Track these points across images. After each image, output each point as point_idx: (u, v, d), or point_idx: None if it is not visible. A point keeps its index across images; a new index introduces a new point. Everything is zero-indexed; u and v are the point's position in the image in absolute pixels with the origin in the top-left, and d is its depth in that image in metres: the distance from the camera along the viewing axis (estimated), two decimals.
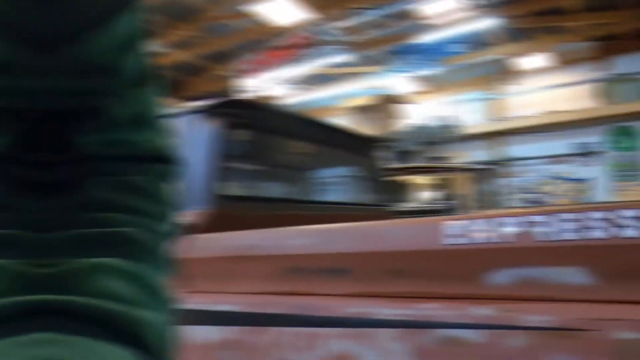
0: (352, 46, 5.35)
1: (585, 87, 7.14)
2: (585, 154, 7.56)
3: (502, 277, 0.91)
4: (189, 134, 1.67)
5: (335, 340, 1.06)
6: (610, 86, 7.04)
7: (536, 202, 7.00)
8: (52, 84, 0.28)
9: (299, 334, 1.12)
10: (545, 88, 6.99)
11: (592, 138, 7.44)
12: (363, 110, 5.90)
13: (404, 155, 6.67)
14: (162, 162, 0.34)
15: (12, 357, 0.21)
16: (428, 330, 0.95)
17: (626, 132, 7.23)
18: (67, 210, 0.29)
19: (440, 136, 5.82)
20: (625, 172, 7.15)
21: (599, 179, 7.33)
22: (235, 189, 1.90)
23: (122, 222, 0.29)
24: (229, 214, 1.61)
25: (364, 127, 5.65)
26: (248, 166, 1.96)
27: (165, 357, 0.27)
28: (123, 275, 0.27)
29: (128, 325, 0.25)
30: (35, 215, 0.28)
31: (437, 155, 6.83)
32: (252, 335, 1.22)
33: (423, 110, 8.09)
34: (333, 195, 2.62)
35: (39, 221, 0.28)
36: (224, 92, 8.49)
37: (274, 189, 2.18)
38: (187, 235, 1.49)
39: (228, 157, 1.75)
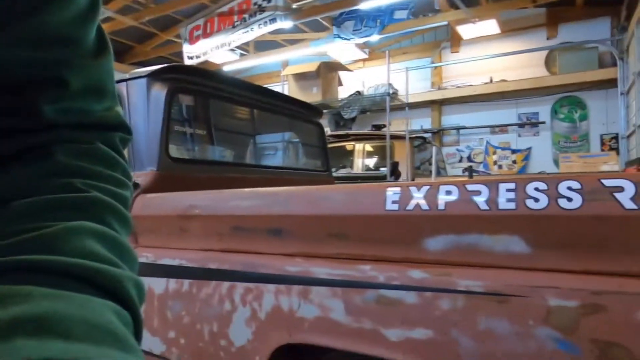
0: (294, 12, 5.30)
1: (531, 56, 7.03)
2: (529, 124, 7.52)
3: (440, 243, 0.94)
4: (136, 98, 1.69)
5: (274, 295, 1.14)
6: (556, 55, 6.94)
7: (477, 172, 7.05)
8: (12, 55, 0.28)
9: (239, 289, 1.21)
10: (490, 56, 6.85)
11: (537, 108, 7.45)
12: (304, 76, 5.90)
13: (345, 122, 6.81)
14: (119, 129, 0.36)
15: (6, 311, 0.20)
16: (365, 290, 1.00)
17: (571, 103, 7.16)
18: (36, 177, 0.29)
19: (382, 103, 5.94)
20: (568, 144, 7.20)
21: (541, 149, 7.39)
22: (180, 152, 1.96)
23: (87, 187, 0.30)
24: (174, 176, 1.68)
25: (305, 94, 5.70)
26: (193, 130, 2.01)
27: (139, 310, 0.28)
28: (97, 236, 0.28)
29: (107, 281, 0.25)
30: (5, 182, 0.29)
31: (378, 122, 7.01)
32: (195, 288, 1.31)
33: (365, 77, 8.18)
34: (275, 160, 2.72)
35: (9, 187, 0.29)
36: (168, 58, 8.17)
37: (218, 153, 2.24)
38: (135, 194, 1.55)
39: (173, 121, 1.80)
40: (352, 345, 1.02)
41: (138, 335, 0.27)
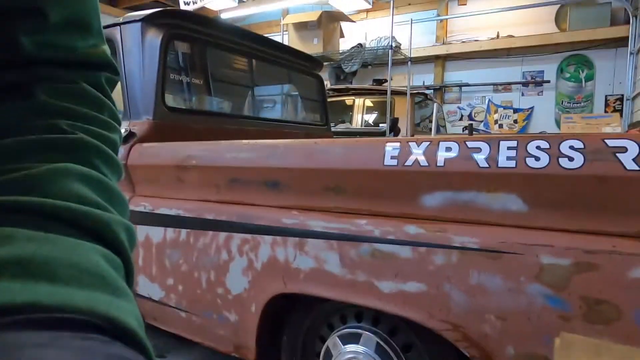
0: None
1: (541, 11, 6.76)
2: (533, 82, 7.34)
3: (437, 200, 0.94)
4: (130, 44, 1.63)
5: (270, 247, 1.15)
6: (567, 10, 6.65)
7: (477, 130, 6.98)
8: None
9: (236, 239, 1.22)
10: (499, 10, 6.60)
11: (543, 66, 7.21)
12: (305, 26, 5.71)
13: (345, 75, 6.66)
14: (105, 69, 0.34)
15: None
16: (360, 244, 1.01)
17: (579, 62, 6.92)
18: (20, 116, 0.28)
19: (384, 57, 5.80)
20: (571, 104, 7.00)
21: (544, 109, 7.23)
22: (177, 101, 1.92)
23: (73, 129, 0.29)
24: (170, 125, 1.66)
25: (306, 45, 5.53)
26: (189, 79, 1.96)
27: (129, 254, 0.27)
28: (84, 179, 0.27)
29: (96, 224, 0.25)
30: None
31: (379, 77, 6.86)
32: (193, 237, 1.32)
33: (367, 29, 7.93)
34: (273, 113, 2.68)
35: None
36: (164, 3, 7.82)
37: (215, 104, 2.20)
38: (131, 143, 1.54)
39: (169, 69, 1.75)
40: (346, 295, 1.04)
41: (129, 280, 0.26)
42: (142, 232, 1.45)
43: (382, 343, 1.08)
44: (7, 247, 0.20)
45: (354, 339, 1.12)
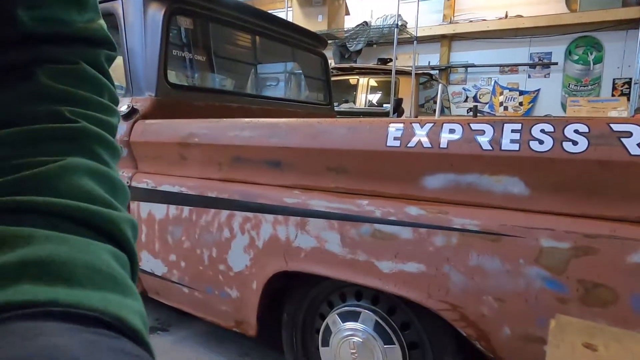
0: None
1: None
2: (540, 64, 7.23)
3: (439, 182, 0.94)
4: (132, 19, 1.61)
5: (272, 225, 1.16)
6: None
7: (481, 112, 6.90)
8: None
9: (238, 217, 1.23)
10: None
11: (551, 48, 7.09)
12: (310, 2, 5.61)
13: (350, 54, 6.58)
14: (104, 45, 0.33)
15: (14, 253, 0.20)
16: (361, 224, 1.01)
17: (588, 44, 6.76)
18: (22, 100, 0.28)
19: (390, 36, 5.72)
20: (578, 87, 6.87)
21: (550, 92, 7.12)
22: (179, 78, 1.90)
23: (76, 116, 0.29)
24: (173, 102, 1.65)
25: (310, 22, 5.45)
26: (192, 56, 1.94)
27: (135, 251, 0.27)
28: (92, 174, 0.27)
29: (105, 224, 0.25)
30: None
31: (384, 56, 6.77)
32: (195, 215, 1.33)
33: (373, 6, 7.78)
34: (276, 91, 2.65)
35: None
36: None
37: (217, 81, 2.18)
38: (134, 119, 1.53)
39: (172, 45, 1.73)
40: (346, 274, 1.06)
41: (134, 276, 0.27)
42: (145, 208, 1.46)
43: (380, 321, 1.10)
44: (27, 248, 0.21)
45: (353, 316, 1.14)
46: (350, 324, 1.14)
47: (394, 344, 1.09)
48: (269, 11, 2.35)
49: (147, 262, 1.48)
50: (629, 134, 0.75)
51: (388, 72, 5.24)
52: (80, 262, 0.22)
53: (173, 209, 1.39)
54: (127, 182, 1.50)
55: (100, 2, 0.33)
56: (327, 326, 1.19)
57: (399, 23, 5.34)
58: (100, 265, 0.23)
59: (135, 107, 1.55)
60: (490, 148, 0.86)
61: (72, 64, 0.31)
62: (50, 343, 0.17)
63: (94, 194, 0.26)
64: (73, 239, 0.23)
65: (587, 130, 0.79)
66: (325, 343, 1.20)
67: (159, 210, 1.42)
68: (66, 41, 0.31)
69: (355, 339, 1.12)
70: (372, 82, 5.49)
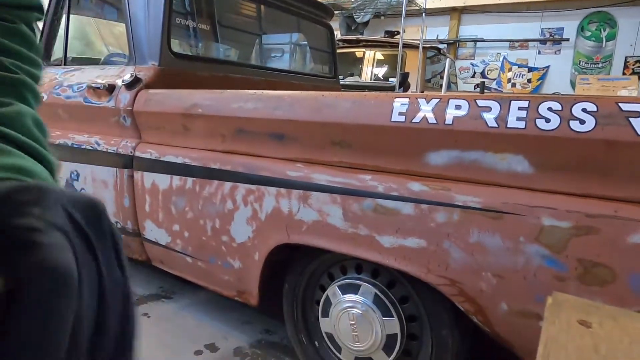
0: None
1: None
2: (551, 40, 7.05)
3: (443, 158, 0.93)
4: None
5: (274, 198, 1.17)
6: None
7: (489, 89, 6.81)
8: None
9: (241, 189, 1.24)
10: None
11: (563, 23, 6.92)
12: None
13: (357, 26, 6.44)
14: (35, 9, 0.38)
15: None
16: (363, 199, 1.01)
17: (601, 19, 6.59)
18: None
19: (398, 7, 5.58)
20: (589, 65, 6.72)
21: (560, 69, 6.99)
22: (183, 47, 1.87)
23: (15, 68, 0.34)
24: (176, 72, 1.63)
25: None
26: (196, 25, 1.90)
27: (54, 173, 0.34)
28: (34, 120, 0.33)
29: (41, 159, 0.32)
30: None
31: (392, 29, 6.64)
32: (198, 186, 1.34)
33: None
34: (280, 63, 2.62)
35: None
36: None
37: (222, 51, 2.15)
38: (137, 89, 1.52)
39: (175, 13, 1.69)
40: (347, 248, 1.07)
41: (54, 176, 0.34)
42: (148, 178, 1.47)
43: (380, 294, 1.12)
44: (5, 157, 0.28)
45: (353, 289, 1.16)
46: (350, 296, 1.16)
47: (393, 316, 1.11)
48: None
49: (151, 231, 1.50)
50: (638, 114, 0.74)
51: (395, 45, 5.14)
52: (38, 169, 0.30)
53: (177, 180, 1.40)
54: (131, 152, 1.50)
55: None
56: (327, 298, 1.22)
57: None
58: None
59: (138, 76, 1.54)
60: (496, 125, 0.85)
61: (14, 23, 0.36)
62: None
63: (36, 135, 0.33)
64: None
65: (595, 109, 0.78)
66: (325, 314, 1.23)
67: (163, 180, 1.43)
68: (9, 6, 0.35)
69: (355, 310, 1.14)
70: (379, 55, 5.39)
